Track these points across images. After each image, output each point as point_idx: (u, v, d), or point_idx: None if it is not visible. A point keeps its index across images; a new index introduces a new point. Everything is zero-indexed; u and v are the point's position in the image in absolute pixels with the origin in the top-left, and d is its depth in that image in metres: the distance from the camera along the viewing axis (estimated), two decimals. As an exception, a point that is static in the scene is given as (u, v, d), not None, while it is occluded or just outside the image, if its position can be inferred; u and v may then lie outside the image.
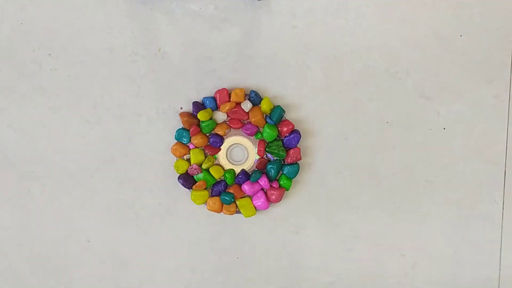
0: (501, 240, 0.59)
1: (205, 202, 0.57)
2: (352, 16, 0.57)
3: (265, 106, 0.56)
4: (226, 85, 0.57)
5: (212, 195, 0.57)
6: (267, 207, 0.57)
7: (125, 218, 0.59)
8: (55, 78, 0.57)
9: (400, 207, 0.59)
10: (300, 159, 0.57)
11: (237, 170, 0.57)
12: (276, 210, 0.59)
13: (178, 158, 0.57)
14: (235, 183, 0.57)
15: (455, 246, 0.59)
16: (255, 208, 0.57)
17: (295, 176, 0.57)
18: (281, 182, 0.57)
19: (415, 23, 0.57)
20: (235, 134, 0.57)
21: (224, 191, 0.57)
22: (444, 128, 0.58)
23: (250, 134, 0.57)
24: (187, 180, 0.57)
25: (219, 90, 0.56)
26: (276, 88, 0.58)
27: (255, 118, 0.56)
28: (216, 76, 0.57)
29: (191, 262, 0.59)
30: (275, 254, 0.59)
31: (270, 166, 0.57)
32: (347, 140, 0.58)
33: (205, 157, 0.57)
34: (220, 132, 0.57)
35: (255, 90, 0.57)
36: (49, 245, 0.59)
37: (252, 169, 0.57)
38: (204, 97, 0.57)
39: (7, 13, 0.57)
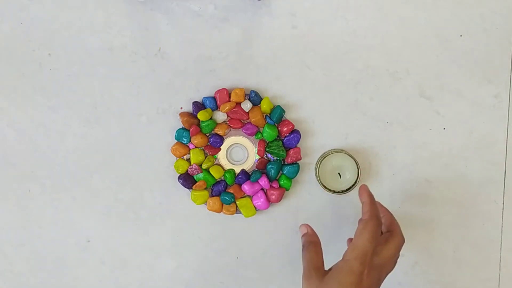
0: (501, 240, 0.59)
1: (205, 202, 0.57)
2: (352, 16, 0.57)
3: (265, 106, 0.56)
4: (226, 85, 0.57)
5: (212, 195, 0.57)
6: (267, 207, 0.57)
7: (125, 218, 0.59)
8: (55, 78, 0.57)
9: (400, 207, 0.59)
10: (300, 159, 0.57)
11: (237, 170, 0.57)
12: (276, 210, 0.59)
13: (178, 158, 0.57)
14: (235, 183, 0.57)
15: (455, 246, 0.59)
16: (255, 208, 0.57)
17: (295, 176, 0.57)
18: (281, 182, 0.57)
19: (415, 23, 0.57)
20: (235, 134, 0.57)
21: (224, 191, 0.57)
22: (444, 128, 0.58)
23: (250, 134, 0.57)
24: (187, 180, 0.57)
25: (219, 90, 0.56)
26: (276, 88, 0.58)
27: (255, 118, 0.56)
28: (216, 76, 0.57)
29: (191, 262, 0.59)
30: (275, 254, 0.59)
31: (270, 166, 0.56)
32: (347, 140, 0.58)
33: (205, 157, 0.57)
34: (220, 132, 0.57)
35: (255, 90, 0.57)
36: (49, 245, 0.59)
37: (252, 169, 0.57)
38: (204, 97, 0.57)
39: (7, 13, 0.57)
